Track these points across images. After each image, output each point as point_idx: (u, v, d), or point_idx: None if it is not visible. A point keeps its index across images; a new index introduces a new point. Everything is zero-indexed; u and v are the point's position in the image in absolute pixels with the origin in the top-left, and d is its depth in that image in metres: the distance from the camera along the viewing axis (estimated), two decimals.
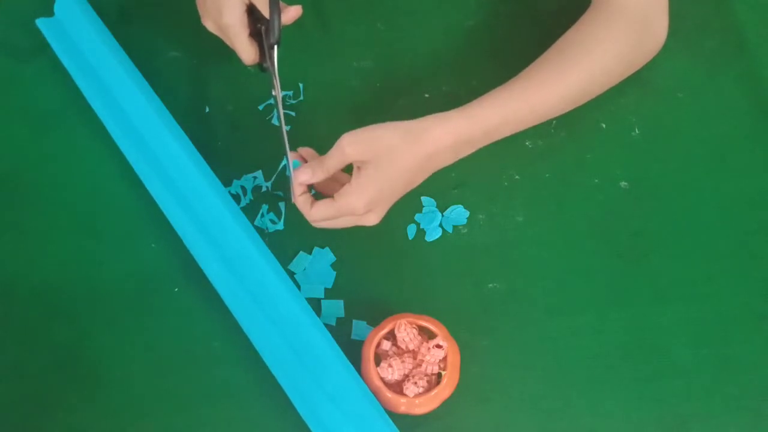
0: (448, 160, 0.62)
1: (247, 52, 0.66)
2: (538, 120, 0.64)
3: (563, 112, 0.66)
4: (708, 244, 0.69)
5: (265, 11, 0.64)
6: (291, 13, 0.65)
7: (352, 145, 0.59)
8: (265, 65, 0.67)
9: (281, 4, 0.65)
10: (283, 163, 0.71)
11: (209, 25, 0.67)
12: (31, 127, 0.74)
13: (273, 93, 0.65)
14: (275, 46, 0.65)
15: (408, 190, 0.62)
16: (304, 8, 0.67)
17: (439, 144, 0.60)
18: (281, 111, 0.65)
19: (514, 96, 0.62)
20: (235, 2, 0.64)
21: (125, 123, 0.71)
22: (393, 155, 0.59)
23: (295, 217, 0.70)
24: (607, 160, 0.71)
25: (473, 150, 0.63)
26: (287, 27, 0.67)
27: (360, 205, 0.60)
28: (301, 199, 0.62)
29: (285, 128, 0.65)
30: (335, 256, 0.69)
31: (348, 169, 0.63)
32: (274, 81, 0.65)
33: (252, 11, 0.65)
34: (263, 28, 0.65)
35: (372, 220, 0.61)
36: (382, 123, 0.60)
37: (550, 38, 0.67)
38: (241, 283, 0.65)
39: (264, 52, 0.66)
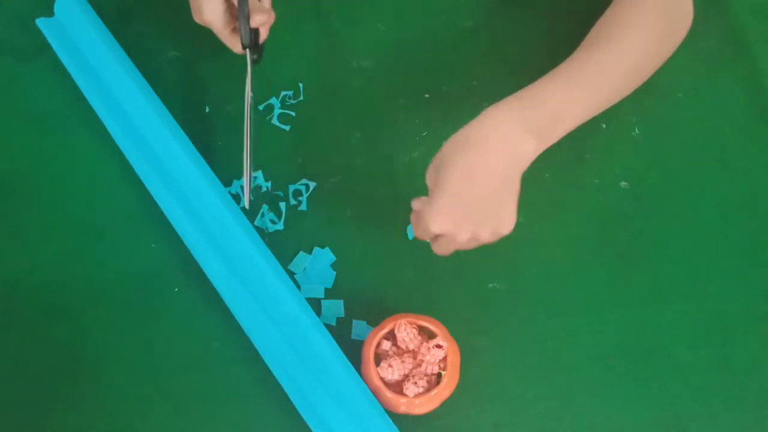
0: (530, 149, 0.57)
1: (232, 44, 0.69)
2: (604, 104, 0.62)
3: (622, 95, 0.63)
4: (708, 243, 0.69)
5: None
6: (257, 19, 0.67)
7: (438, 220, 0.58)
8: (254, 57, 0.69)
9: (253, 6, 0.66)
10: (245, 170, 0.69)
11: (197, 19, 0.68)
12: (32, 127, 0.74)
13: (246, 88, 0.67)
14: (248, 50, 0.68)
15: (507, 192, 0.59)
16: (304, 8, 0.68)
17: (506, 136, 0.57)
18: (248, 116, 0.67)
19: (575, 78, 0.59)
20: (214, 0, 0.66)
21: (125, 123, 0.71)
22: (454, 164, 0.57)
23: (295, 217, 0.70)
24: (607, 160, 0.71)
25: (556, 137, 0.59)
26: (286, 29, 0.67)
27: (442, 216, 0.58)
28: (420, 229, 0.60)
29: (249, 131, 0.67)
30: (335, 256, 0.69)
31: None
32: (246, 80, 0.68)
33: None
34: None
35: (507, 227, 0.59)
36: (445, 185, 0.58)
37: (550, 38, 0.67)
38: (241, 283, 0.65)
39: (256, 42, 0.69)
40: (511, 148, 0.57)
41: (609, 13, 0.65)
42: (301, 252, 0.69)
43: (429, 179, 0.60)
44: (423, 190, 0.70)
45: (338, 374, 0.61)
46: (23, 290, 0.69)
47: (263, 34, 0.70)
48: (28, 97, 0.75)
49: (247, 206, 0.67)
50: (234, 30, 0.69)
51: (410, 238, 0.70)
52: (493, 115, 0.57)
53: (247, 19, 0.66)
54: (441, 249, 0.61)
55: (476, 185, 0.57)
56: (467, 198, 0.57)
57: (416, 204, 0.62)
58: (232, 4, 0.67)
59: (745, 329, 0.66)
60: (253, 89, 0.71)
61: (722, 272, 0.68)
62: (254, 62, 0.69)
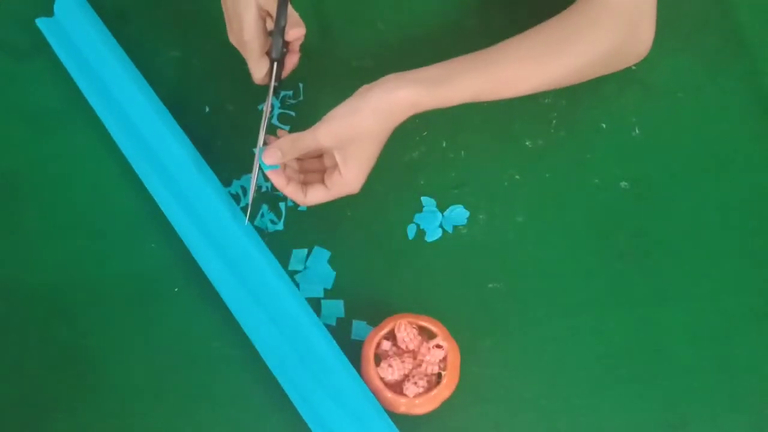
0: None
1: (255, 69, 0.67)
2: (505, 98, 0.64)
3: (531, 93, 0.65)
4: (708, 243, 0.69)
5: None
6: (291, 33, 0.66)
7: (328, 137, 0.61)
8: (275, 84, 0.68)
9: (296, 18, 0.66)
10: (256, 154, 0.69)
11: (233, 39, 0.68)
12: (31, 127, 0.74)
13: (264, 108, 0.67)
14: (275, 63, 0.67)
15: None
16: (304, 8, 0.67)
17: (406, 114, 0.62)
18: (264, 128, 0.66)
19: (489, 76, 0.63)
20: (253, 14, 0.64)
21: (125, 123, 0.71)
22: (373, 138, 0.62)
23: (295, 217, 0.70)
24: (607, 159, 0.71)
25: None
26: None
27: (356, 189, 0.63)
28: (291, 188, 0.63)
29: (261, 144, 0.66)
30: (335, 256, 0.69)
31: None
32: (268, 96, 0.67)
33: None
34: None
35: (359, 189, 0.64)
36: (354, 104, 0.61)
37: None
38: (241, 283, 0.65)
39: (279, 75, 0.68)
40: (387, 107, 0.61)
41: (562, 18, 0.65)
42: (294, 250, 0.69)
43: (329, 141, 0.61)
44: (424, 188, 0.71)
45: (338, 374, 0.61)
46: (22, 290, 0.69)
47: (289, 67, 0.69)
48: (28, 96, 0.75)
49: (246, 222, 0.67)
50: (264, 55, 0.67)
51: (410, 238, 0.69)
52: (414, 98, 0.61)
53: (282, 31, 0.65)
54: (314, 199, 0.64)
55: (380, 150, 0.63)
56: (375, 160, 0.63)
57: (285, 153, 0.62)
58: (266, 28, 0.66)
59: (745, 329, 0.66)
60: (253, 90, 0.71)
61: (723, 272, 0.68)
62: (276, 91, 0.69)
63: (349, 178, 0.62)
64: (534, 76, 0.63)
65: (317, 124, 0.62)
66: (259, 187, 0.72)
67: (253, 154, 0.69)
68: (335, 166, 0.63)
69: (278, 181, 0.63)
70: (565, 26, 0.64)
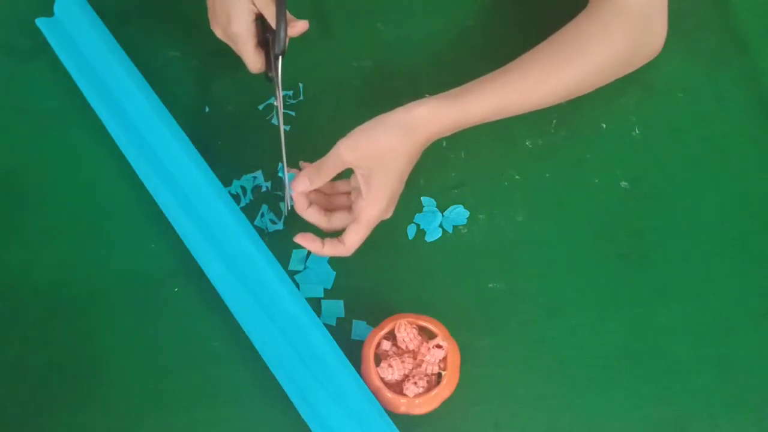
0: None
1: (253, 61, 0.67)
2: (526, 111, 0.65)
3: (552, 104, 0.66)
4: (708, 243, 0.69)
5: (273, 22, 0.64)
6: (298, 27, 0.66)
7: (350, 152, 0.60)
8: (270, 74, 0.67)
9: (289, 16, 0.65)
10: (284, 174, 0.70)
11: (218, 32, 0.67)
12: (31, 127, 0.74)
13: (275, 103, 0.66)
14: (280, 57, 0.66)
15: (409, 174, 0.64)
16: (304, 7, 0.67)
17: (431, 134, 0.62)
18: (281, 122, 0.66)
19: (508, 88, 0.63)
20: (244, 11, 0.64)
21: (125, 123, 0.71)
22: (395, 155, 0.60)
23: (295, 217, 0.70)
24: (607, 160, 0.71)
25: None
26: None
27: (385, 210, 0.62)
28: (328, 246, 0.63)
29: (284, 141, 0.65)
30: (335, 256, 0.69)
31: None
32: (277, 92, 0.66)
33: (261, 20, 0.66)
34: (271, 37, 0.66)
35: (391, 213, 0.64)
36: (375, 121, 0.61)
37: None
38: (241, 283, 0.65)
39: (270, 62, 0.67)
40: (427, 144, 0.62)
41: (574, 24, 0.66)
42: (294, 250, 0.69)
43: (351, 157, 0.60)
44: (424, 189, 0.71)
45: (338, 374, 0.61)
46: (23, 290, 0.69)
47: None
48: (28, 96, 0.75)
49: (286, 211, 0.67)
50: (256, 45, 0.66)
51: (410, 238, 0.70)
52: (438, 115, 0.61)
53: (285, 26, 0.64)
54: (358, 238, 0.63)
55: (408, 171, 0.62)
56: (403, 182, 0.63)
57: (312, 179, 0.62)
58: (259, 16, 0.66)
59: (745, 329, 0.66)
60: (253, 90, 0.71)
61: (722, 272, 0.68)
62: (270, 79, 0.68)
63: (371, 197, 0.61)
64: (554, 84, 0.63)
65: (339, 141, 0.61)
66: (259, 187, 0.72)
67: (260, 154, 0.69)
68: (359, 193, 0.62)
69: (314, 246, 0.63)
70: (579, 32, 0.65)
